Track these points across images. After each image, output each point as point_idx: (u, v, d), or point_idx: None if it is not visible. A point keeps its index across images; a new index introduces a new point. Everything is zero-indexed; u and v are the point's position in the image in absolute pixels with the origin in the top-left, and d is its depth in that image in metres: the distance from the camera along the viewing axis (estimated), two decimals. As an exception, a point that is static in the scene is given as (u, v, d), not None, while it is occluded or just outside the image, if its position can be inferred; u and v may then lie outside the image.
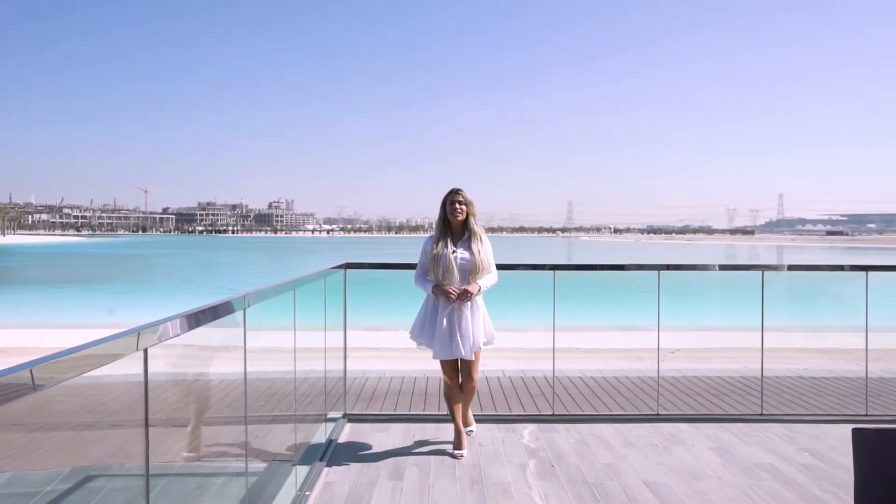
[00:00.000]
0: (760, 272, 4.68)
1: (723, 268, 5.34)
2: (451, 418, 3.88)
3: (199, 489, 2.37)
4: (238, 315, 2.40)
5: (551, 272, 4.65)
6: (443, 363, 3.79)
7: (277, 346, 3.32)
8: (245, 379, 2.52)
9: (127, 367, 1.65)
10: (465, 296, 3.68)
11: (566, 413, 4.64)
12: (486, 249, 3.79)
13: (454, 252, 3.73)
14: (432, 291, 3.73)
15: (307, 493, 3.20)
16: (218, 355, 2.61)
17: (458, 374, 3.83)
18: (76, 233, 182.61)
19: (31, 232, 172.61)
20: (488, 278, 3.80)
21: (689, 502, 3.12)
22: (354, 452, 3.84)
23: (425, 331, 3.77)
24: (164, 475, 2.05)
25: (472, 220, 3.80)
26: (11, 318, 17.92)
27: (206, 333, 2.15)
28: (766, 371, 4.64)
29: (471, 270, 3.71)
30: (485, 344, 3.83)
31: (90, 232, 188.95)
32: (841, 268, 5.14)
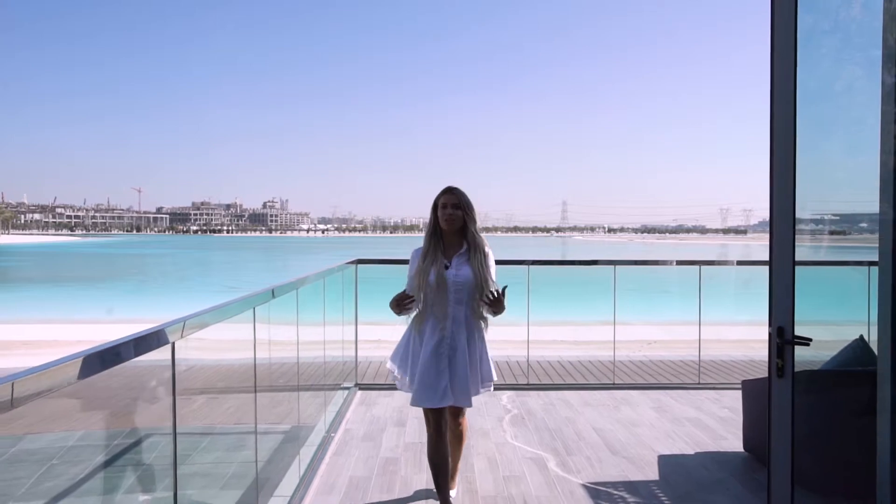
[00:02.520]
0: (698, 267, 5.67)
1: (679, 263, 6.32)
2: (435, 489, 2.96)
3: (261, 436, 3.31)
4: (288, 297, 3.33)
5: (526, 267, 5.62)
6: (426, 412, 2.88)
7: (302, 331, 4.25)
8: (298, 356, 3.47)
9: (161, 354, 1.86)
10: (498, 304, 2.77)
11: (538, 383, 5.62)
12: (489, 266, 2.88)
13: (447, 267, 2.81)
14: (389, 305, 2.84)
15: (332, 434, 4.16)
16: (267, 333, 3.53)
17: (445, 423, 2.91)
18: (70, 232, 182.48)
19: (24, 232, 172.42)
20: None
21: (623, 440, 4.10)
22: (367, 410, 4.80)
23: (405, 361, 2.91)
24: (231, 433, 2.92)
25: (471, 228, 2.85)
26: (25, 314, 18.76)
27: (258, 312, 2.98)
28: (716, 355, 5.59)
29: (472, 292, 2.81)
30: (484, 387, 2.94)
31: (84, 232, 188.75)
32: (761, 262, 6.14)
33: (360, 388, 5.43)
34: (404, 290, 2.84)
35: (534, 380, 5.70)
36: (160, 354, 1.86)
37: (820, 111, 2.94)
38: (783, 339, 2.37)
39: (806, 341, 2.39)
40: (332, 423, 4.39)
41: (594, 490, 3.32)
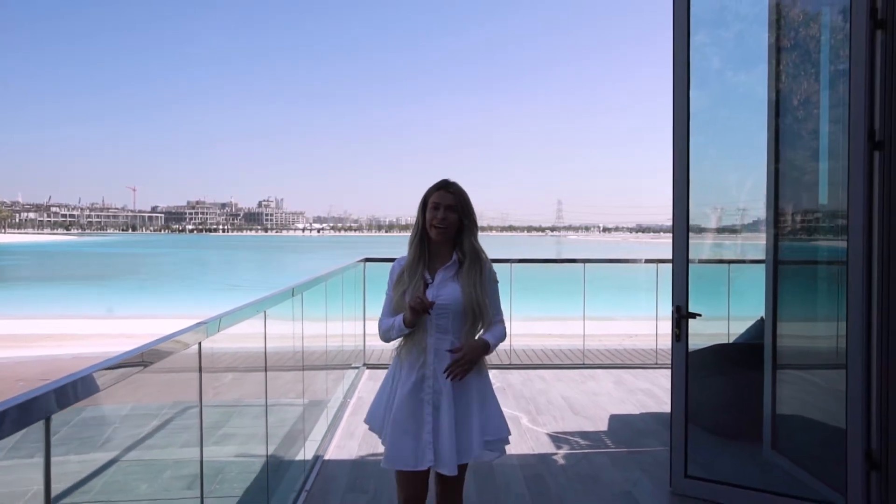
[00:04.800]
0: (655, 265, 6.63)
1: (647, 261, 7.28)
2: None
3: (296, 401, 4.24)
4: (311, 292, 4.24)
5: (510, 265, 6.55)
6: (399, 476, 2.16)
7: (321, 320, 5.18)
8: (326, 342, 4.39)
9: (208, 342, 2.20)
10: (461, 367, 2.07)
11: (519, 363, 6.56)
12: (487, 281, 2.19)
13: (430, 283, 2.15)
14: (401, 320, 2.11)
15: (348, 400, 5.10)
16: (295, 322, 4.44)
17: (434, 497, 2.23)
18: (65, 231, 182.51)
19: (20, 231, 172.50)
20: (496, 331, 2.20)
21: (584, 404, 5.05)
22: (374, 384, 5.71)
23: (382, 409, 2.21)
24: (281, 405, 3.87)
25: (468, 233, 2.18)
26: (35, 312, 19.55)
27: (289, 305, 3.86)
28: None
29: (461, 319, 2.13)
30: (489, 448, 2.14)
31: (80, 231, 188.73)
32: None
33: (368, 367, 6.36)
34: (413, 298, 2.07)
35: (515, 361, 6.64)
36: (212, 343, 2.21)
37: (785, 122, 3.78)
38: (680, 314, 3.32)
39: (696, 315, 3.34)
40: (348, 392, 5.33)
41: (555, 437, 4.26)
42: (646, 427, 4.50)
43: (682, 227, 3.37)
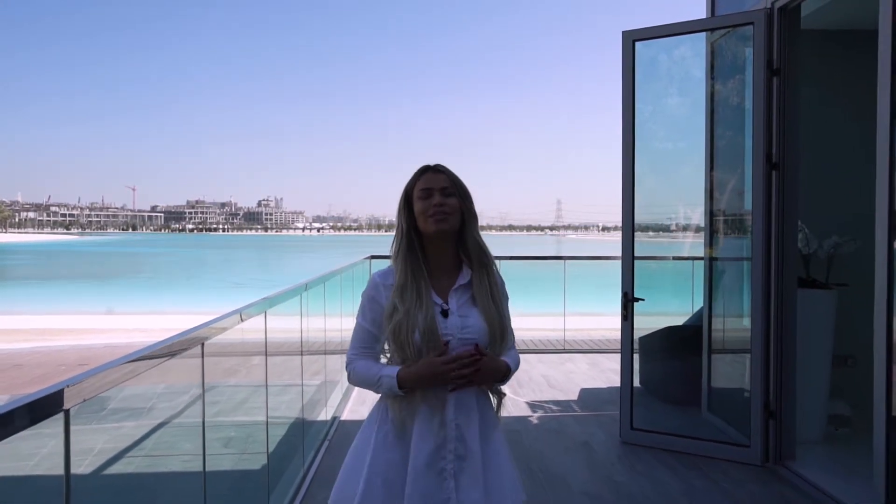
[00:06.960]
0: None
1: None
2: None
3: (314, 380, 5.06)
4: (320, 287, 5.07)
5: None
6: None
7: (332, 313, 5.99)
8: (341, 332, 5.20)
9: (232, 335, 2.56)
10: (467, 378, 1.55)
11: (507, 349, 7.42)
12: (499, 291, 1.71)
13: (445, 313, 1.61)
14: (394, 377, 1.58)
15: (358, 377, 5.94)
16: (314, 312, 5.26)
17: None
18: (65, 231, 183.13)
19: (21, 230, 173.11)
20: (512, 356, 1.73)
21: (560, 380, 5.90)
22: (379, 365, 6.57)
23: (375, 496, 1.59)
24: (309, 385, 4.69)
25: (472, 230, 1.69)
26: (48, 309, 20.30)
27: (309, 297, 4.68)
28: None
29: (487, 345, 1.61)
30: None
31: (80, 230, 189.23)
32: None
33: (373, 352, 7.20)
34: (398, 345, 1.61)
35: (504, 347, 7.49)
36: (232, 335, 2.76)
37: (716, 142, 4.53)
38: (627, 298, 4.15)
39: (640, 299, 4.17)
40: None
41: (532, 405, 5.11)
42: (610, 397, 5.33)
43: (628, 229, 4.21)
